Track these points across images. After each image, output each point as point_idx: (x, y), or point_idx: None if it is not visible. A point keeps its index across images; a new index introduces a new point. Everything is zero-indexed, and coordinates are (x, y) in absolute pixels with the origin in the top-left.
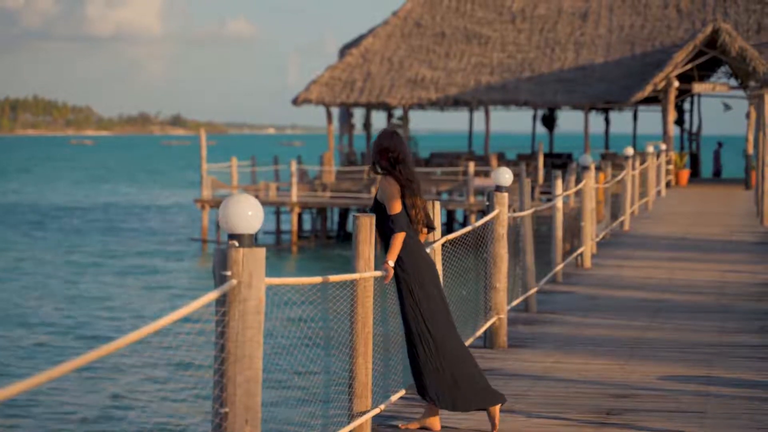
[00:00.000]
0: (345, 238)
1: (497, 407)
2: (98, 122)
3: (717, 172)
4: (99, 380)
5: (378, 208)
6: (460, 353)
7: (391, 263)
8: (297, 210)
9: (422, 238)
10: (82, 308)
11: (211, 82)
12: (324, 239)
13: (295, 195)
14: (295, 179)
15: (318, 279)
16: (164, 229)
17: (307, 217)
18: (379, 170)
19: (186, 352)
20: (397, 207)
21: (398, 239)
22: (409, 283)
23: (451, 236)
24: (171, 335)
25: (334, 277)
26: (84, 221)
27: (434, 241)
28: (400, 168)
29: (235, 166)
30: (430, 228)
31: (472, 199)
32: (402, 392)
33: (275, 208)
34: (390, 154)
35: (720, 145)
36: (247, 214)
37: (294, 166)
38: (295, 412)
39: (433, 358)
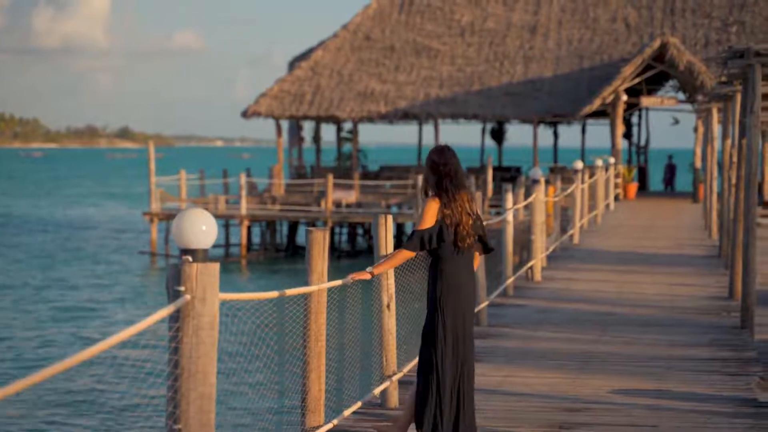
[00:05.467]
0: (294, 251)
1: None
2: (46, 135)
3: (672, 185)
4: (52, 396)
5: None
6: (464, 392)
7: (376, 272)
8: (246, 223)
9: (476, 262)
10: (28, 325)
11: (158, 94)
12: (273, 252)
13: (244, 208)
14: (244, 192)
15: (273, 294)
16: (112, 242)
17: (256, 230)
18: (431, 193)
19: (140, 368)
20: (425, 223)
21: (399, 256)
22: (437, 310)
23: None
24: (124, 350)
25: (289, 291)
26: (29, 234)
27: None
28: (446, 183)
29: (183, 178)
30: (488, 249)
31: None
32: (357, 405)
33: (224, 221)
34: (441, 168)
35: (670, 157)
36: (201, 228)
37: (243, 179)
38: (247, 428)
39: (435, 388)
